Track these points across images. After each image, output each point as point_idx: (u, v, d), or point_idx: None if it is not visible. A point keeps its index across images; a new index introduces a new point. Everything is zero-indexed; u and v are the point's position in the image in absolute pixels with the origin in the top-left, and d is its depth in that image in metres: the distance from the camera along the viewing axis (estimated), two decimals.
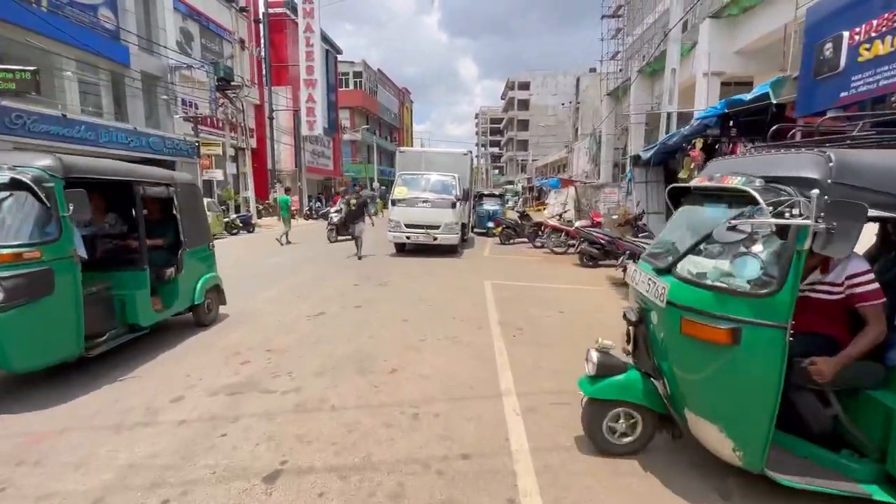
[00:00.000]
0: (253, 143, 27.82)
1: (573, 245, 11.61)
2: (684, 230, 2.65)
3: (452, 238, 10.53)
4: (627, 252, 7.52)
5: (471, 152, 12.09)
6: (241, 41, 24.77)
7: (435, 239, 10.44)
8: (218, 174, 20.84)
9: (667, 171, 13.30)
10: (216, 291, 5.29)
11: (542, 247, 12.94)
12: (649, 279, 2.45)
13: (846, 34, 5.80)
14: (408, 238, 10.54)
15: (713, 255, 2.22)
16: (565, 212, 14.46)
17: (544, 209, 33.30)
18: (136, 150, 16.98)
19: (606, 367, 2.57)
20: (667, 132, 13.84)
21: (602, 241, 9.47)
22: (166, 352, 4.28)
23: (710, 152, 9.91)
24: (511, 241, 13.87)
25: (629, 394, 2.53)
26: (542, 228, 12.90)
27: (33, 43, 13.61)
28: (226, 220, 17.32)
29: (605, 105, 38.21)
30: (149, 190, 4.32)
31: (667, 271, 2.35)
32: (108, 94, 18.11)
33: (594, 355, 2.58)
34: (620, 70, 37.59)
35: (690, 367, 2.22)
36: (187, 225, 4.72)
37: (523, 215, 14.12)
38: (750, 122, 9.81)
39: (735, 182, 2.15)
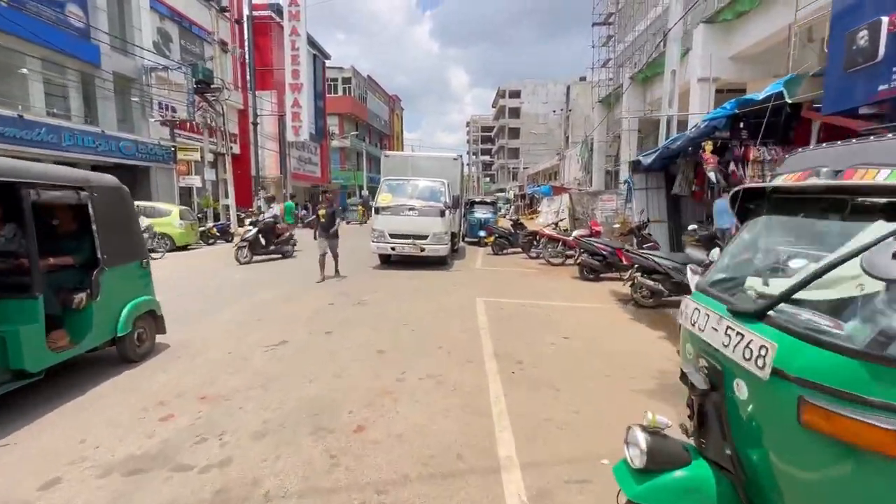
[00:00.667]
0: (236, 148, 26.84)
1: (571, 256, 10.82)
2: (774, 252, 1.82)
3: (441, 249, 9.67)
4: (636, 265, 6.71)
5: (461, 157, 11.31)
6: (223, 43, 23.85)
7: (422, 250, 9.57)
8: (196, 180, 19.81)
9: (667, 176, 12.62)
10: (150, 318, 4.34)
11: (538, 257, 12.13)
12: (727, 326, 1.60)
13: (885, 20, 5.11)
14: (392, 249, 9.66)
15: (852, 298, 1.38)
16: (560, 220, 13.70)
17: (537, 217, 32.67)
18: (105, 154, 15.93)
19: (661, 458, 1.71)
20: (667, 137, 13.25)
21: (604, 253, 8.67)
22: (68, 402, 3.33)
23: (718, 156, 9.22)
24: (504, 251, 13.05)
25: (698, 502, 1.66)
26: (538, 238, 12.11)
27: None
28: (201, 229, 16.28)
29: (596, 112, 37.91)
30: (46, 194, 3.40)
31: (757, 316, 1.51)
32: (77, 96, 17.07)
33: (641, 438, 1.72)
34: (611, 78, 37.38)
35: (814, 479, 1.37)
36: (108, 238, 3.79)
37: (517, 224, 13.33)
38: (759, 123, 9.16)
39: (885, 177, 1.32)
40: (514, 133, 76.40)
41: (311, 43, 32.18)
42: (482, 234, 14.99)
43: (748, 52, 16.28)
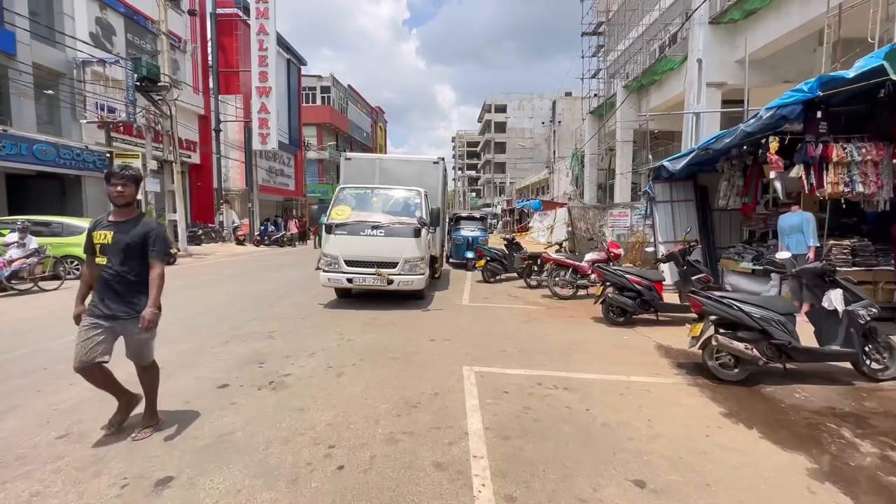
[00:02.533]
0: (195, 157, 24.11)
1: (584, 286, 8.43)
2: None
3: (416, 281, 7.17)
4: (709, 315, 4.29)
5: (443, 160, 8.91)
6: (176, 37, 21.29)
7: (390, 282, 7.06)
8: None
9: (696, 187, 10.45)
10: None
11: (538, 285, 9.71)
12: None
13: None
14: (350, 281, 7.11)
15: None
16: (566, 240, 11.35)
17: (528, 234, 30.48)
18: (11, 159, 13.12)
19: None
20: (695, 138, 11.10)
21: (639, 288, 6.28)
22: None
23: (785, 155, 6.99)
24: (497, 277, 10.61)
25: None
26: (539, 262, 9.72)
27: None
28: None
29: (587, 124, 36.32)
30: None
31: None
32: None
33: None
34: (596, 92, 36.02)
35: None
36: None
37: (512, 244, 10.93)
38: (840, 113, 6.98)
39: None
40: (501, 147, 75.14)
41: (286, 47, 29.89)
42: (470, 255, 12.55)
43: (759, 54, 14.58)
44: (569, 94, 65.35)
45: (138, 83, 16.43)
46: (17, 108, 14.56)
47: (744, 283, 7.94)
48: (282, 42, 28.62)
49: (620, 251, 8.72)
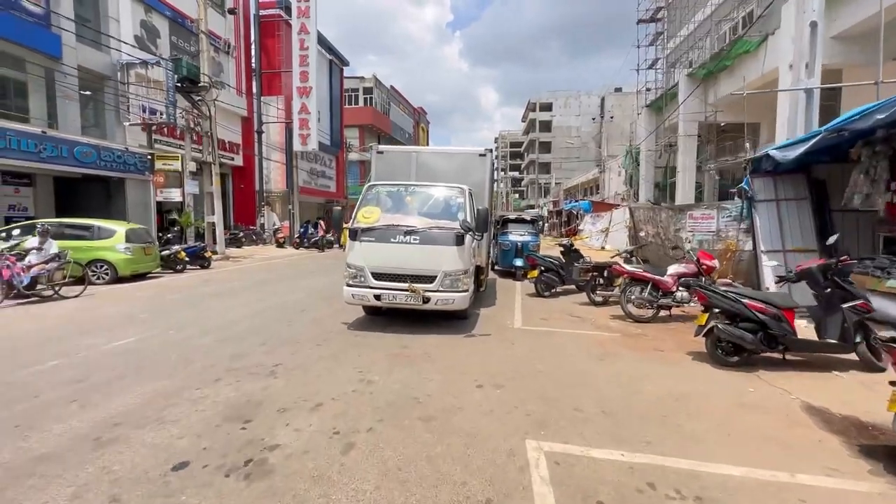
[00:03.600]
0: (238, 160, 24.09)
1: (665, 306, 6.73)
2: None
3: (458, 299, 5.79)
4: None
5: (491, 151, 7.47)
6: (216, 37, 21.23)
7: (426, 301, 5.73)
8: (174, 194, 16.80)
9: (810, 182, 8.40)
10: None
11: (604, 302, 8.07)
12: None
13: None
14: (377, 299, 5.84)
15: None
16: (640, 246, 9.58)
17: (577, 238, 28.36)
18: (53, 161, 13.02)
19: None
20: (803, 124, 9.01)
21: (762, 318, 4.58)
22: None
23: None
24: (553, 290, 9.03)
25: None
26: (607, 275, 8.07)
27: None
28: (165, 252, 13.04)
29: (643, 119, 33.57)
30: None
31: None
32: (38, 95, 14.43)
33: None
34: (652, 84, 33.26)
35: None
36: None
37: (570, 251, 9.32)
38: None
39: None
40: (546, 147, 72.57)
41: (328, 48, 29.59)
42: (519, 263, 11.03)
43: (859, 28, 12.17)
44: (619, 89, 61.90)
45: (179, 84, 16.23)
46: (63, 111, 14.61)
47: (894, 308, 5.95)
48: (324, 42, 28.32)
49: (715, 263, 6.91)
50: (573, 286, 9.20)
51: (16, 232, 10.45)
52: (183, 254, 13.50)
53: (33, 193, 14.96)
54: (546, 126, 73.19)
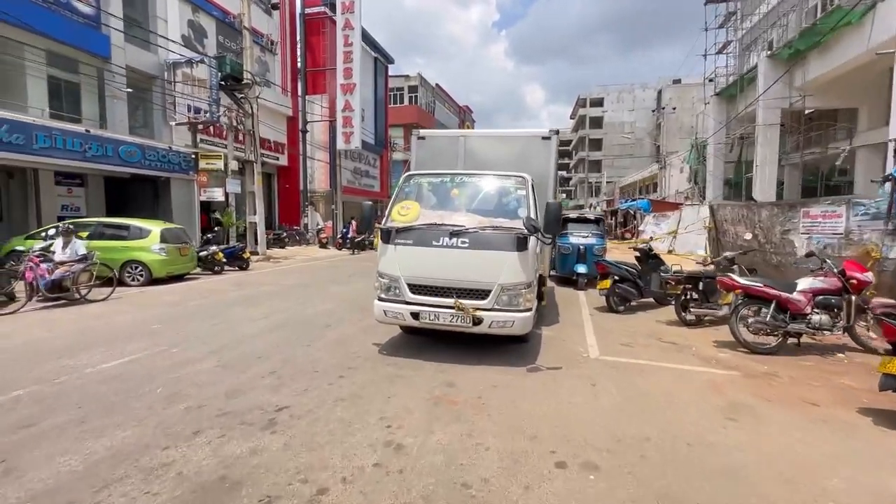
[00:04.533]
0: (284, 159, 23.94)
1: (792, 334, 5.03)
2: None
3: (518, 320, 4.42)
4: None
5: (556, 134, 6.01)
6: (258, 33, 21.03)
7: (477, 323, 4.42)
8: (217, 193, 16.56)
9: None
10: None
11: (697, 323, 6.41)
12: None
13: None
14: (415, 318, 4.60)
15: None
16: (745, 251, 7.76)
17: (634, 241, 25.93)
18: (98, 161, 12.92)
19: None
20: None
21: None
22: None
23: None
24: (628, 303, 7.43)
25: None
26: (703, 289, 6.39)
27: None
28: (202, 253, 12.61)
29: (712, 109, 30.48)
30: None
31: None
32: (87, 95, 14.57)
33: None
34: (721, 71, 30.11)
35: None
36: None
37: (648, 256, 7.67)
38: None
39: None
40: (596, 144, 69.13)
41: (373, 45, 29.05)
42: (582, 270, 9.46)
43: None
44: (677, 81, 57.59)
45: (222, 82, 15.97)
46: (111, 111, 14.67)
47: None
48: (368, 39, 27.79)
49: (869, 277, 5.10)
50: (651, 299, 7.56)
51: (51, 232, 10.23)
52: (221, 255, 13.03)
53: (85, 193, 15.14)
54: (597, 122, 69.70)
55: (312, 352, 4.98)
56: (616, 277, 7.27)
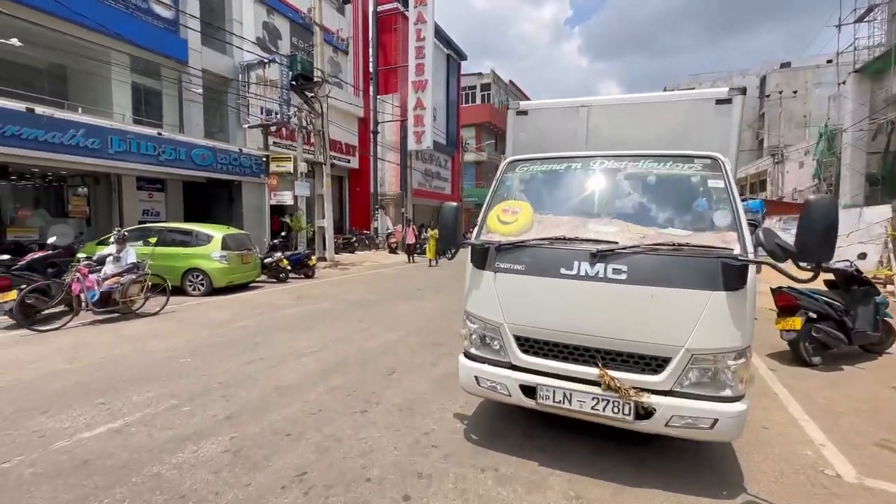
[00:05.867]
0: (355, 162, 23.35)
1: None
2: None
3: (724, 417, 2.41)
4: None
5: (742, 94, 3.88)
6: (342, 39, 20.50)
7: (645, 416, 2.47)
8: (287, 197, 16.00)
9: None
10: None
11: None
12: None
13: None
14: (529, 394, 2.75)
15: None
16: None
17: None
18: (172, 164, 12.70)
19: None
20: None
21: None
22: None
23: None
24: (828, 350, 4.95)
25: None
26: None
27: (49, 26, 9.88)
28: (267, 260, 11.83)
29: (850, 89, 25.17)
30: None
31: None
32: (168, 100, 14.65)
33: None
34: (860, 43, 24.62)
35: None
36: None
37: (851, 280, 5.12)
38: None
39: None
40: None
41: (446, 41, 27.77)
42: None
43: None
44: (786, 64, 49.94)
45: (293, 82, 15.38)
46: (187, 115, 14.60)
47: None
48: (441, 35, 26.53)
49: None
50: (857, 345, 5.03)
51: (112, 240, 9.83)
52: (286, 262, 12.18)
53: (165, 198, 15.27)
54: None
55: (366, 428, 3.32)
56: (811, 314, 4.83)
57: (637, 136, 3.87)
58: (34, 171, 12.90)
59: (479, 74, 39.56)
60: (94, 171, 11.94)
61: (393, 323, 6.83)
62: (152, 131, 12.23)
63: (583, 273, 2.64)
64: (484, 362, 2.94)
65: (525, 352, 2.81)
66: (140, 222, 13.72)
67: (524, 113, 4.52)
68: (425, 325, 6.64)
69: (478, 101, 39.24)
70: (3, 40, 9.92)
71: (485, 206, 3.25)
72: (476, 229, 3.13)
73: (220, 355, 5.13)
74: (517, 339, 2.82)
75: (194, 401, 3.80)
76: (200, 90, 14.59)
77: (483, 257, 2.95)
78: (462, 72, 34.41)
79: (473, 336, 3.01)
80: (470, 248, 3.03)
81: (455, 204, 3.20)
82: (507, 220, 3.04)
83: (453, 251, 3.27)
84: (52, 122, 9.92)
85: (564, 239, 2.80)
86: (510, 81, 43.37)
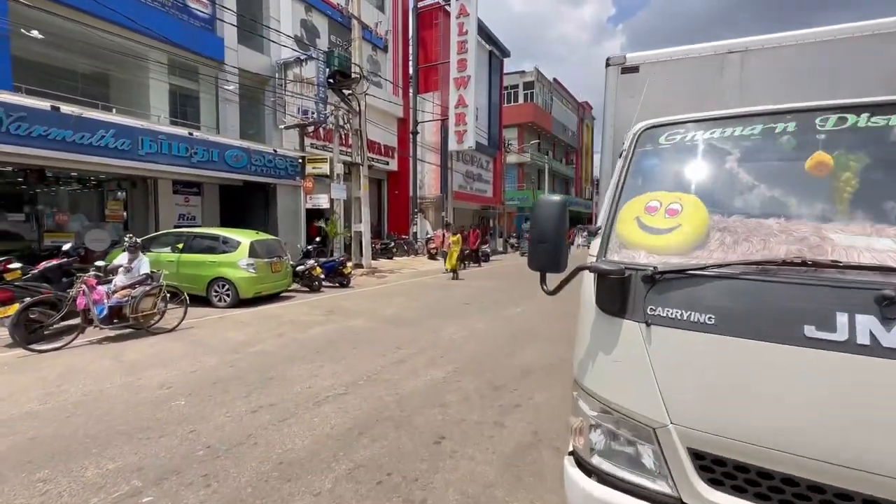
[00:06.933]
0: (394, 164, 22.47)
1: None
2: None
3: None
4: None
5: None
6: (377, 34, 19.67)
7: None
8: (322, 200, 15.19)
9: None
10: None
11: None
12: None
13: None
14: None
15: None
16: None
17: None
18: (205, 166, 12.12)
19: None
20: None
21: None
22: None
23: None
24: None
25: None
26: None
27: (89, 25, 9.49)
28: (299, 268, 10.94)
29: None
30: None
31: None
32: (204, 100, 14.24)
33: None
34: None
35: None
36: None
37: None
38: None
39: None
40: None
41: (488, 37, 26.48)
42: None
43: None
44: None
45: (330, 79, 14.61)
46: (223, 115, 14.12)
47: None
48: (483, 31, 25.27)
49: None
50: None
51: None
52: (319, 270, 11.25)
53: (201, 202, 14.87)
54: None
55: None
56: None
57: (810, 88, 2.38)
58: (72, 175, 12.73)
59: (522, 73, 38.03)
60: (126, 173, 11.53)
61: (438, 352, 5.56)
62: (184, 132, 11.68)
63: (860, 339, 1.24)
64: (618, 488, 1.58)
65: (714, 483, 1.43)
66: (175, 226, 13.29)
67: (633, 70, 3.13)
68: (478, 357, 5.32)
69: (520, 100, 37.68)
70: (24, 31, 9.52)
71: (609, 199, 1.89)
72: (601, 243, 1.77)
73: (222, 397, 4.04)
74: (696, 455, 1.45)
75: (162, 484, 2.67)
76: (235, 87, 14.05)
77: (620, 294, 1.60)
78: (504, 70, 33.01)
79: (597, 432, 1.67)
80: (594, 275, 1.68)
81: (559, 197, 1.81)
82: (658, 225, 1.68)
83: (561, 281, 1.84)
84: (80, 123, 9.46)
85: (801, 263, 1.40)
86: (554, 79, 41.51)
